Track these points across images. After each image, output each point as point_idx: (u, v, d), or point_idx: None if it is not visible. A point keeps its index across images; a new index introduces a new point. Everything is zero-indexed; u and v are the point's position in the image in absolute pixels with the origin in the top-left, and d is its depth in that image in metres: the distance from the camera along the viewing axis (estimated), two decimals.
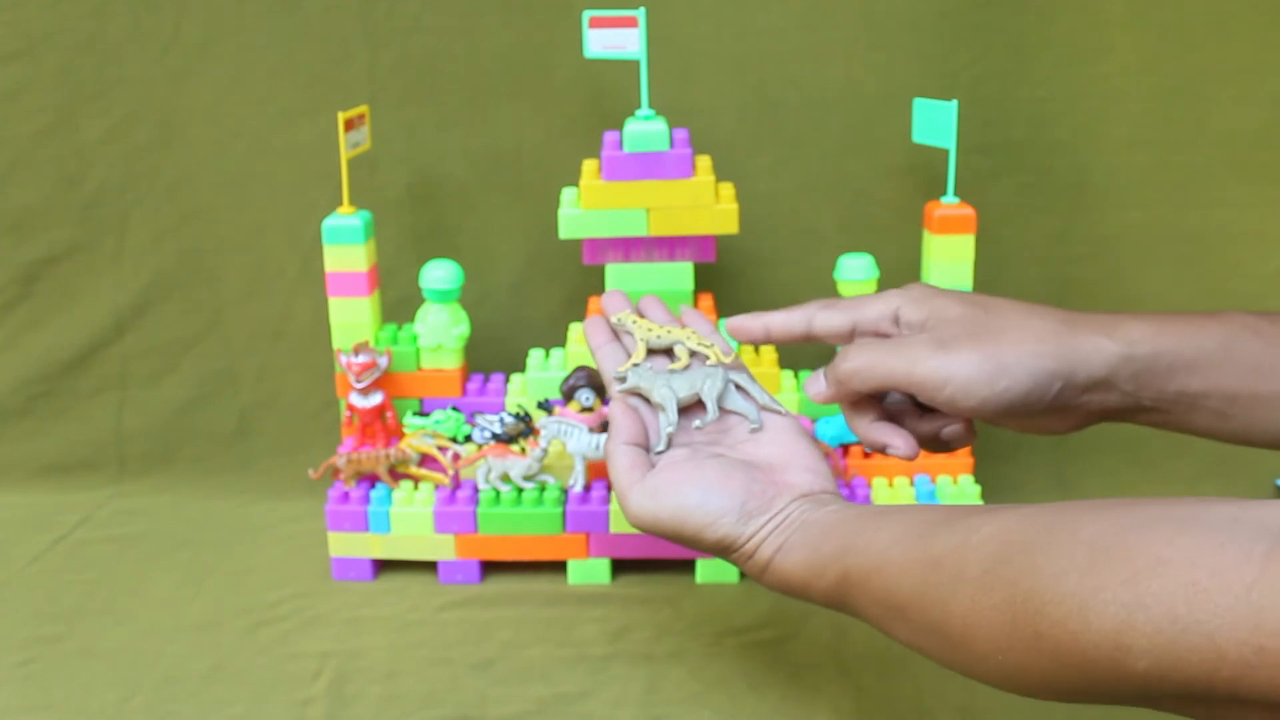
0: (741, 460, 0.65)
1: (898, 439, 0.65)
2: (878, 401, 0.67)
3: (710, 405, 0.66)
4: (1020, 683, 0.49)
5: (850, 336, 0.67)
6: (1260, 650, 0.39)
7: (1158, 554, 0.43)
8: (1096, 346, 0.60)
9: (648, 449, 0.66)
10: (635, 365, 0.68)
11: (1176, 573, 0.42)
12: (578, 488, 0.92)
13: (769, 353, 0.98)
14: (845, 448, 0.95)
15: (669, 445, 0.66)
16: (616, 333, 0.72)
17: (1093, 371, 0.60)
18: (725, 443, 0.66)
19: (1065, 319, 0.62)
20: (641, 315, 0.72)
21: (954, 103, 0.89)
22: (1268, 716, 0.41)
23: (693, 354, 0.69)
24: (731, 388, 0.67)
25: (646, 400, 0.68)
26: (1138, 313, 0.63)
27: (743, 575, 0.91)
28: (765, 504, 0.62)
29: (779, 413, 0.67)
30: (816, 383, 0.67)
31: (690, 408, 0.67)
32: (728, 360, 0.68)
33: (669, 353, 0.70)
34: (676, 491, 0.62)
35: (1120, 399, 0.62)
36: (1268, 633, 0.39)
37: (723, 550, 0.62)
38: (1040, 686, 0.48)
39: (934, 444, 0.68)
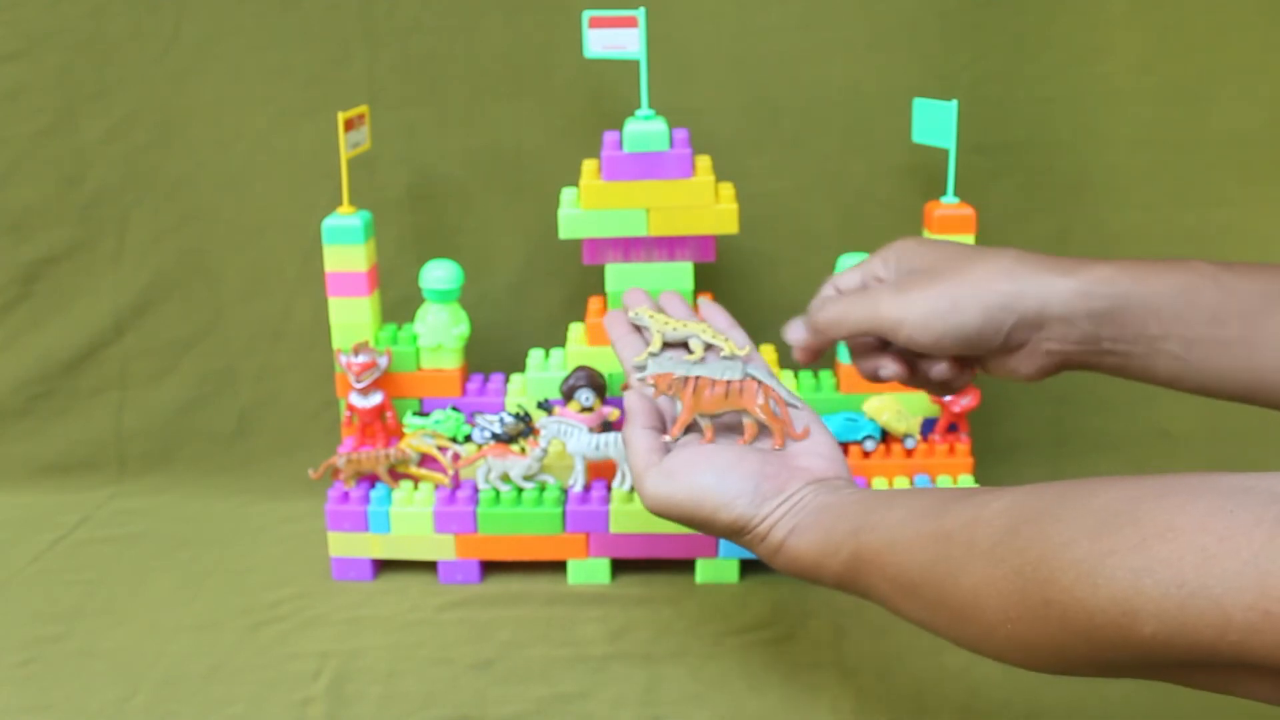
0: (756, 446, 0.66)
1: (888, 362, 0.69)
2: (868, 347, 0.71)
3: None
4: (1027, 654, 0.49)
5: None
6: (1266, 615, 0.40)
7: (1169, 521, 0.43)
8: (1051, 284, 0.63)
9: (664, 436, 0.67)
10: (653, 354, 0.69)
11: (1186, 539, 0.42)
12: (578, 488, 0.92)
13: (768, 352, 0.98)
14: (845, 447, 0.95)
15: (685, 431, 0.67)
16: (636, 327, 0.73)
17: (1046, 307, 0.63)
18: (739, 439, 0.67)
19: (1026, 259, 0.64)
20: (660, 310, 0.73)
21: (954, 103, 0.89)
22: (1270, 682, 0.42)
23: (708, 347, 0.69)
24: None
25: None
26: (1103, 258, 0.64)
27: (742, 575, 0.91)
28: (779, 486, 0.63)
29: (795, 405, 0.68)
30: (796, 330, 0.71)
31: None
32: (743, 353, 0.69)
33: (685, 346, 0.70)
34: (692, 473, 0.63)
35: (1079, 338, 0.63)
36: (1274, 598, 0.39)
37: (736, 532, 0.63)
38: (1047, 657, 0.48)
39: (933, 387, 0.70)
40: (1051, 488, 0.50)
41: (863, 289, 0.69)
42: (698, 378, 0.66)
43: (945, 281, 0.64)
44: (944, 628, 0.54)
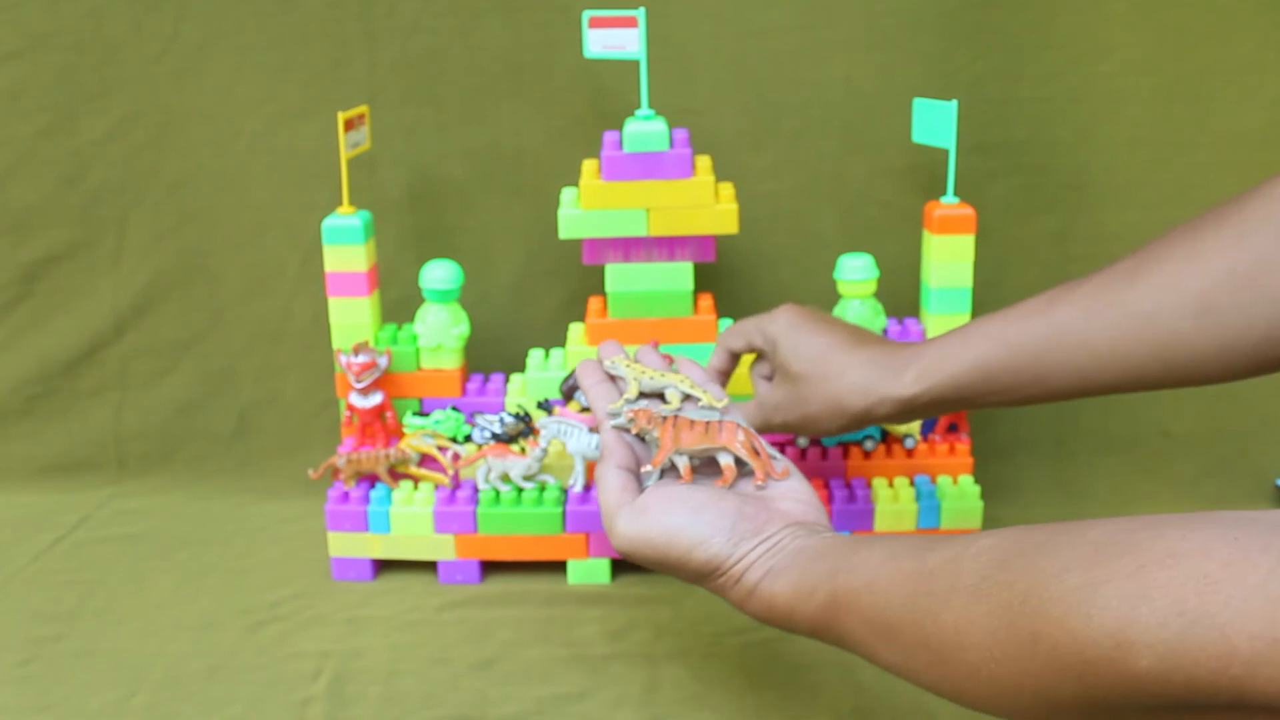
0: (735, 489, 0.64)
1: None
2: None
3: None
4: (1011, 699, 0.47)
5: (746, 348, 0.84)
6: (1275, 644, 0.37)
7: (1168, 548, 0.41)
8: (887, 394, 0.74)
9: (638, 477, 0.65)
10: (629, 401, 0.68)
11: (1187, 564, 0.40)
12: (578, 488, 0.92)
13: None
14: (845, 447, 0.95)
15: (661, 475, 0.65)
16: (611, 376, 0.72)
17: (883, 417, 0.76)
18: (716, 480, 0.66)
19: (874, 364, 0.75)
20: (635, 361, 0.72)
21: (954, 103, 0.89)
22: None
23: (685, 397, 0.68)
24: None
25: (640, 438, 0.67)
26: (924, 348, 0.75)
27: None
28: (757, 527, 0.61)
29: (774, 456, 0.66)
30: None
31: None
32: (720, 405, 0.68)
33: (662, 397, 0.69)
34: (666, 510, 0.61)
35: (917, 414, 0.76)
36: None
37: (708, 573, 0.61)
38: (1032, 701, 0.46)
39: None
40: (1041, 526, 0.49)
41: (757, 407, 0.80)
42: (677, 415, 0.65)
43: (809, 401, 0.77)
44: (923, 672, 0.52)
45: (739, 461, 0.65)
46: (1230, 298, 0.64)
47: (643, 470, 0.65)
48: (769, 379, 0.82)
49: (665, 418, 0.65)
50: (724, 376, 0.85)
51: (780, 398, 0.79)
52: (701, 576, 0.61)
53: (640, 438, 0.67)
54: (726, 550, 0.60)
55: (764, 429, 0.80)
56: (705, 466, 0.66)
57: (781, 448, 0.92)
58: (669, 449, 0.64)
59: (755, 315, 0.83)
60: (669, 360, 0.75)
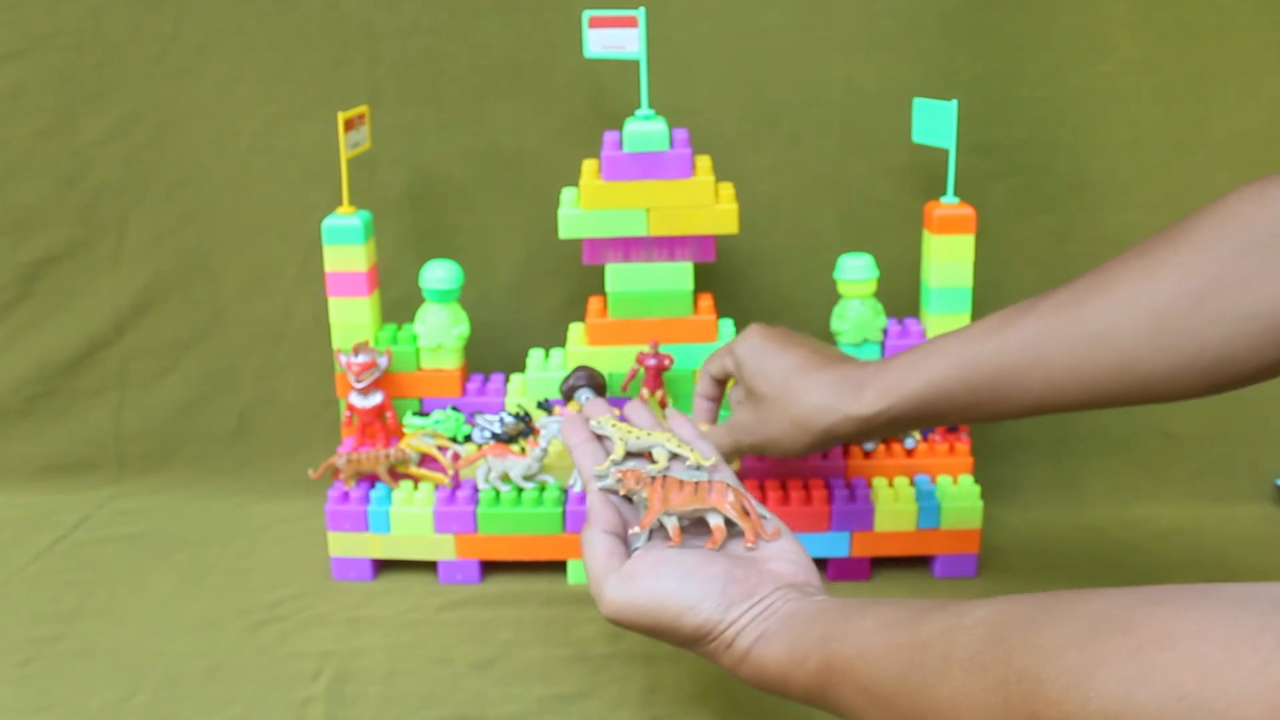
0: (724, 551, 0.64)
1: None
2: None
3: None
4: None
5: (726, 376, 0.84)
6: None
7: (1165, 627, 0.40)
8: (850, 413, 0.73)
9: (625, 541, 0.64)
10: (615, 463, 0.67)
11: (1185, 646, 0.39)
12: (578, 488, 0.92)
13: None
14: (846, 446, 0.95)
15: (650, 537, 0.64)
16: (598, 436, 0.71)
17: (845, 436, 0.75)
18: (706, 541, 0.65)
19: (841, 383, 0.74)
20: (623, 419, 0.71)
21: (954, 103, 0.89)
22: None
23: (673, 456, 0.68)
24: None
25: (627, 499, 0.66)
26: (884, 367, 0.74)
27: None
28: (748, 591, 0.60)
29: (764, 516, 0.66)
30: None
31: None
32: (707, 464, 0.68)
33: (650, 457, 0.69)
34: (655, 575, 0.61)
35: (879, 432, 0.75)
36: None
37: (699, 639, 0.60)
38: None
39: None
40: (1035, 596, 0.48)
41: (728, 425, 0.80)
42: (665, 476, 0.64)
43: (773, 422, 0.76)
44: None
45: (729, 522, 0.64)
46: (1184, 319, 0.64)
47: (631, 532, 0.64)
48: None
49: (654, 478, 0.64)
50: (713, 403, 0.86)
51: (748, 419, 0.79)
52: (692, 642, 0.61)
53: (628, 499, 0.66)
54: (717, 615, 0.60)
55: (734, 450, 0.80)
56: (694, 527, 0.65)
57: None
58: (657, 510, 0.63)
59: (730, 340, 0.83)
60: (660, 398, 0.74)
